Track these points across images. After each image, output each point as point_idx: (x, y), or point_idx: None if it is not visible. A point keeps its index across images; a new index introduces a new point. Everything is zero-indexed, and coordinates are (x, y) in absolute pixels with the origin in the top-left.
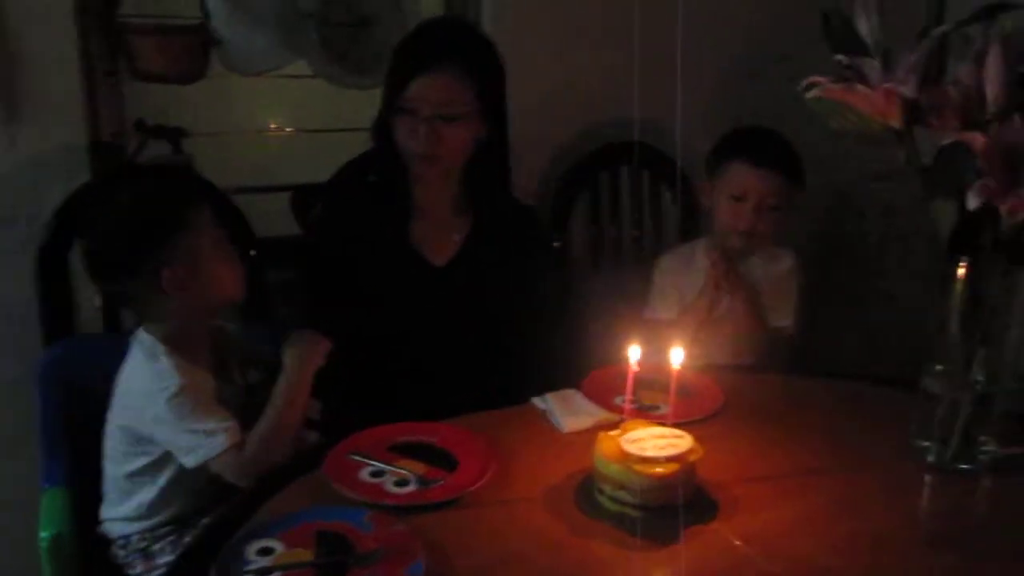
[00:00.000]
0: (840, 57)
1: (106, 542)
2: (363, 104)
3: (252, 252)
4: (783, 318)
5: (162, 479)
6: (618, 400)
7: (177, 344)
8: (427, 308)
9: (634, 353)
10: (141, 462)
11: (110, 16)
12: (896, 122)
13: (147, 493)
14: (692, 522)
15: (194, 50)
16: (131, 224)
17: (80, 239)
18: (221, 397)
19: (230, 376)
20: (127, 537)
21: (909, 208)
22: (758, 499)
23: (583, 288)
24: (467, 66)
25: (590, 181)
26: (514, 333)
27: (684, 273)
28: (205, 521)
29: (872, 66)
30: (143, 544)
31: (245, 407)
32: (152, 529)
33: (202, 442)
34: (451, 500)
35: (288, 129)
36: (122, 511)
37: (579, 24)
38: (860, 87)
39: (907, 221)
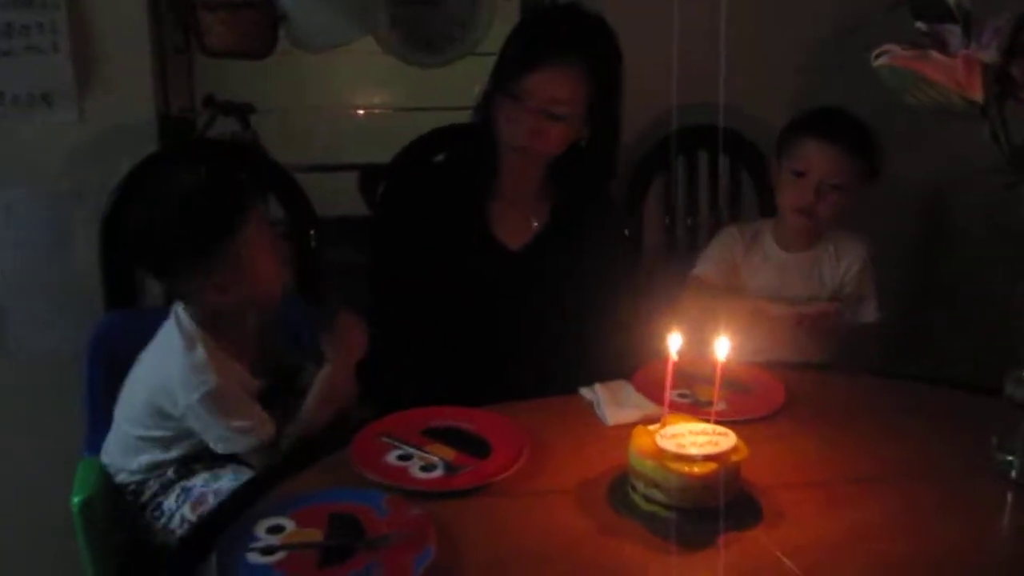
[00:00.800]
0: (920, 24)
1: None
2: (431, 83)
3: (312, 231)
4: (866, 313)
5: (175, 450)
6: (673, 395)
7: (216, 331)
8: (498, 292)
9: (675, 342)
10: (159, 432)
11: None
12: (978, 94)
13: (152, 456)
14: (730, 528)
15: (262, 26)
16: (183, 228)
17: (129, 224)
18: (256, 387)
19: (269, 363)
20: (127, 485)
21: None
22: (807, 507)
23: (656, 277)
24: (588, 66)
25: (665, 167)
26: (584, 323)
27: (745, 249)
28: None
29: (952, 32)
30: (148, 494)
31: (282, 394)
32: (158, 482)
33: (234, 437)
34: (475, 488)
35: (356, 109)
36: (121, 462)
37: (654, 6)
38: (935, 55)
39: (1015, 217)
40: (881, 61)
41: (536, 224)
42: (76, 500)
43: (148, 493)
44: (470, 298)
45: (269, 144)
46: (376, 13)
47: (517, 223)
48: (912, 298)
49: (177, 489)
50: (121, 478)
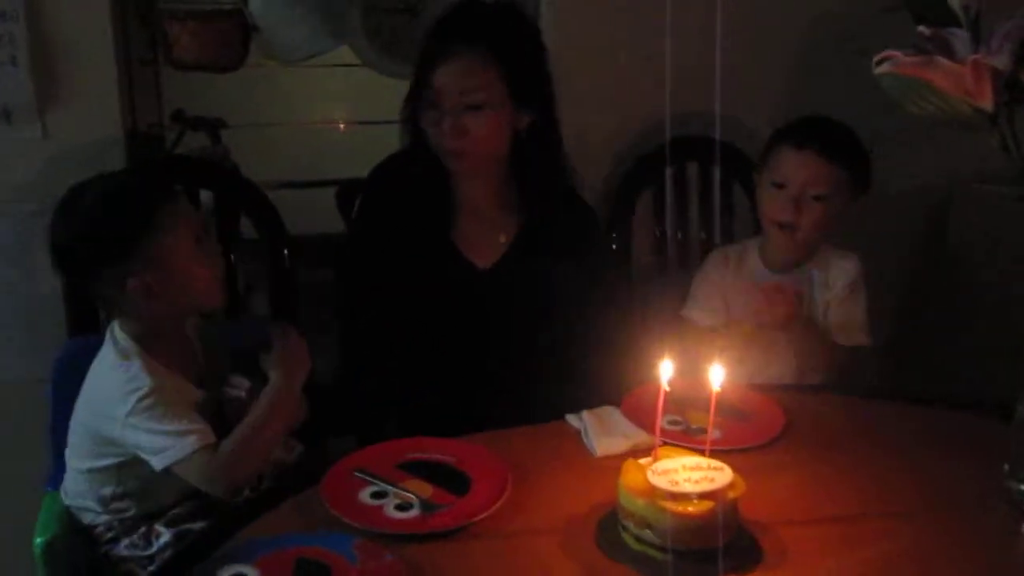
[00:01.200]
0: (922, 28)
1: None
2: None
3: (285, 251)
4: (855, 336)
5: (129, 481)
6: (664, 421)
7: (152, 345)
8: (468, 313)
9: (666, 370)
10: (106, 461)
11: (147, 2)
12: (987, 103)
13: (107, 488)
14: (729, 570)
15: (232, 37)
16: (94, 228)
17: (50, 232)
18: (200, 403)
19: (212, 381)
20: (95, 526)
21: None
22: (811, 546)
23: (645, 292)
24: (491, 48)
25: (655, 178)
26: (564, 344)
27: (732, 275)
28: (176, 511)
29: (959, 37)
30: (111, 534)
31: (226, 413)
32: (120, 522)
33: (171, 443)
34: (454, 530)
35: (332, 122)
36: (82, 502)
37: (643, 13)
38: (942, 61)
39: (1017, 227)
40: (883, 69)
41: (504, 239)
42: (38, 541)
43: (112, 534)
44: (440, 320)
45: (241, 160)
46: (351, 23)
47: (484, 239)
48: (911, 313)
49: (142, 528)
50: (87, 519)
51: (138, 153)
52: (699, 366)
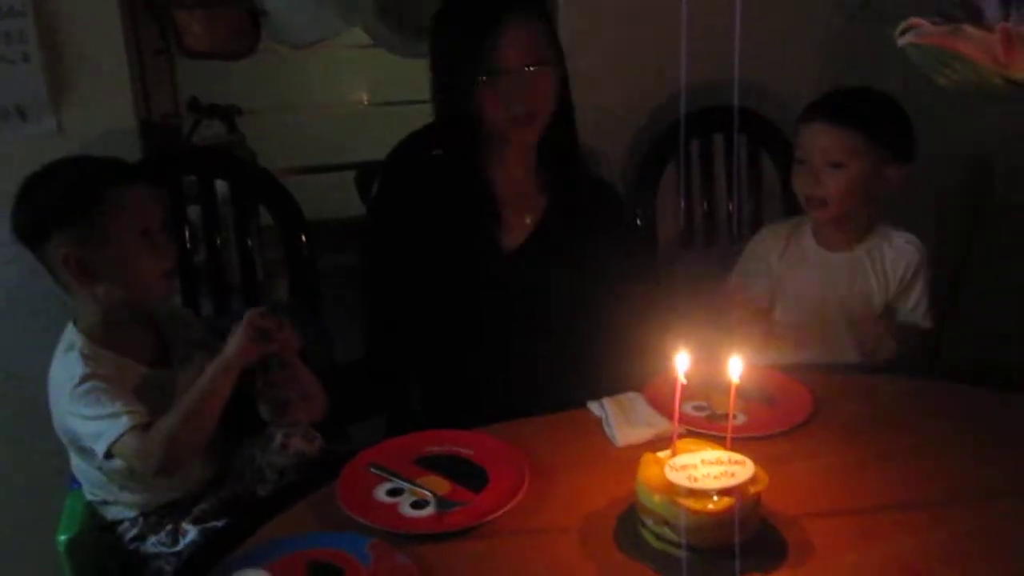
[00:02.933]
0: None
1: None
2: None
3: (303, 236)
4: (908, 315)
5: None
6: (689, 407)
7: (103, 335)
8: (494, 295)
9: (683, 362)
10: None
11: None
12: (1020, 72)
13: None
14: (750, 569)
15: (242, 23)
16: (39, 196)
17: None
18: (149, 380)
19: (171, 362)
20: (119, 522)
21: None
22: (837, 541)
23: (670, 269)
24: (536, 13)
25: (679, 150)
26: (591, 325)
27: (782, 250)
28: (201, 507)
29: (989, 2)
30: (136, 531)
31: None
32: (144, 515)
33: (106, 427)
34: (469, 528)
35: (348, 105)
36: (102, 495)
37: None
38: (969, 29)
39: None
40: (907, 39)
41: (530, 220)
42: (62, 539)
43: (137, 531)
44: (463, 304)
45: (258, 146)
46: (361, 3)
47: (511, 221)
48: (952, 287)
49: (168, 526)
50: (111, 514)
51: (153, 143)
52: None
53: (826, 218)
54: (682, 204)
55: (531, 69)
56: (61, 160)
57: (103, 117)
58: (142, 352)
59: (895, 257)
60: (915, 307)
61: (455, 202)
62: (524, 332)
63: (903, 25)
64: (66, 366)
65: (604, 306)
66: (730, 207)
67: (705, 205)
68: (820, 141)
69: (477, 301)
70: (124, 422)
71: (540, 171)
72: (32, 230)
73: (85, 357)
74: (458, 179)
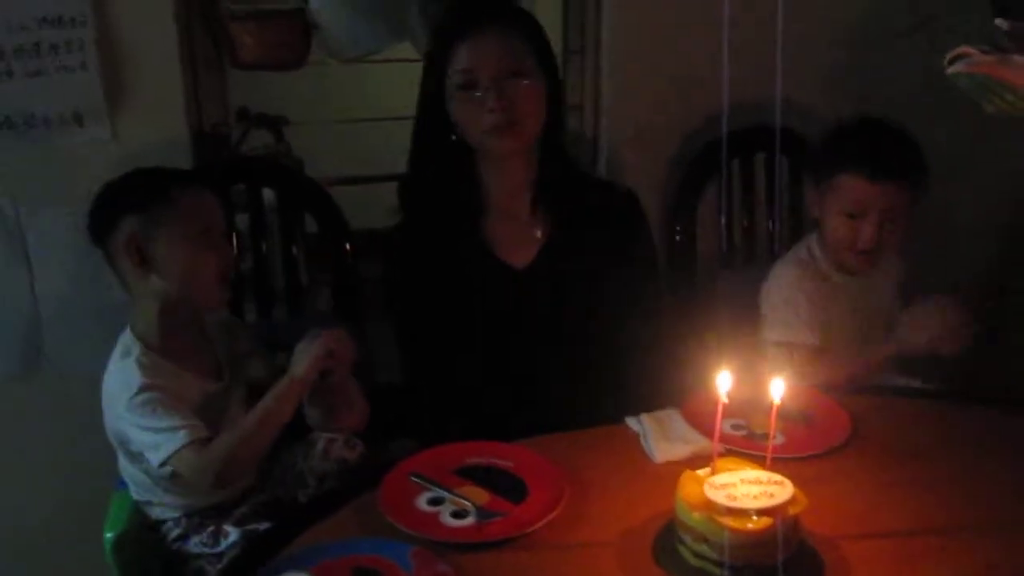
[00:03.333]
0: (1000, 22)
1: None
2: None
3: (347, 245)
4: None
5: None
6: (727, 425)
7: (159, 343)
8: (508, 315)
9: (724, 381)
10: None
11: (210, 5)
12: None
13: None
14: None
15: (293, 36)
16: (112, 191)
17: None
18: (210, 394)
19: (223, 375)
20: (163, 521)
21: None
22: (877, 564)
23: (710, 288)
24: (515, 26)
25: (720, 169)
26: (614, 340)
27: (817, 287)
28: (243, 510)
29: None
30: (179, 531)
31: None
32: (187, 516)
33: (163, 440)
34: (508, 539)
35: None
36: (147, 495)
37: (706, 3)
38: (1019, 60)
39: None
40: (956, 68)
41: (539, 236)
42: (108, 536)
43: (180, 530)
44: (479, 323)
45: (304, 156)
46: (410, 19)
47: (518, 237)
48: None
49: (211, 527)
50: (155, 513)
51: (203, 152)
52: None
53: (870, 262)
54: (723, 222)
55: (504, 77)
56: (139, 168)
57: (156, 125)
58: (197, 363)
59: (891, 269)
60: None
61: (460, 222)
62: (546, 350)
63: (952, 53)
64: (123, 373)
65: (622, 314)
66: (770, 226)
67: (745, 223)
68: (885, 201)
69: (494, 321)
70: (182, 437)
71: (541, 184)
72: (103, 221)
73: (143, 366)
74: (459, 199)
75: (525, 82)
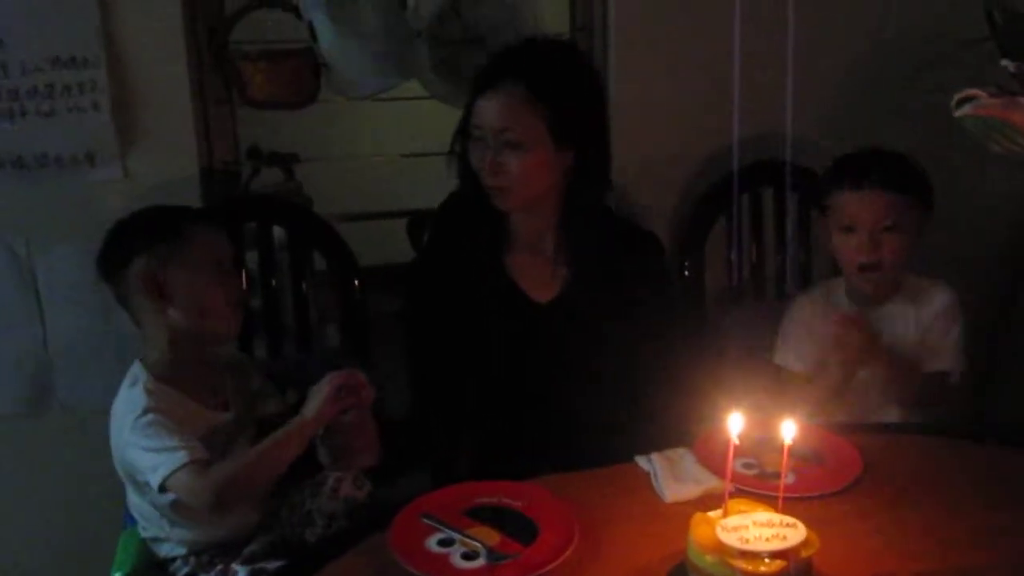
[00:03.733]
0: (1007, 63)
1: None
2: None
3: (356, 282)
4: (941, 363)
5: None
6: (738, 464)
7: (168, 374)
8: (529, 350)
9: (736, 423)
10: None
11: (221, 44)
12: None
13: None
14: None
15: (303, 74)
16: (125, 230)
17: None
18: (219, 426)
19: (229, 408)
20: (172, 560)
21: None
22: None
23: (718, 324)
24: (531, 87)
25: (728, 205)
26: (631, 378)
27: (821, 319)
28: (251, 548)
29: None
30: (187, 569)
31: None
32: (195, 554)
33: (163, 460)
34: None
35: (402, 154)
36: (155, 532)
37: (710, 38)
38: None
39: None
40: (964, 111)
41: (563, 272)
42: (117, 575)
43: (189, 569)
44: (502, 357)
45: (314, 193)
46: (418, 57)
47: (542, 273)
48: (1004, 339)
49: (219, 566)
50: (163, 551)
51: (214, 190)
52: (792, 413)
53: (879, 281)
54: (732, 258)
55: (502, 144)
56: (149, 206)
57: (167, 164)
58: (205, 396)
59: (925, 302)
60: (945, 358)
61: (486, 256)
62: (563, 385)
63: (959, 95)
64: (130, 399)
65: (642, 354)
66: (779, 262)
67: (754, 259)
68: (873, 207)
69: (513, 355)
70: (181, 457)
71: (565, 229)
72: (116, 258)
73: (149, 392)
74: (486, 234)
75: (522, 153)
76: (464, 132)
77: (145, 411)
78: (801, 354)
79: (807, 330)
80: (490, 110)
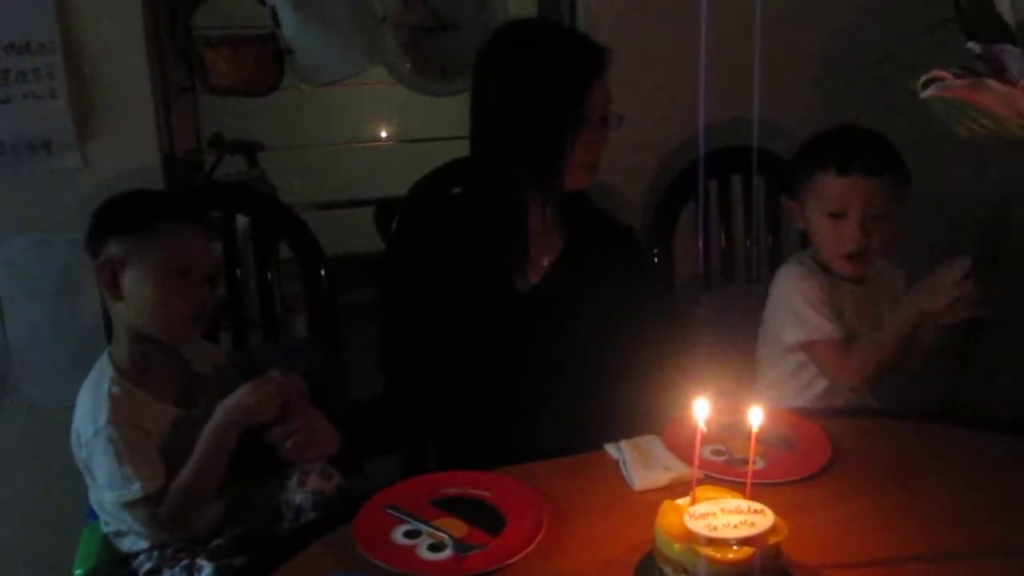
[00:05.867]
0: (972, 45)
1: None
2: (444, 112)
3: (322, 271)
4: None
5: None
6: (707, 451)
7: (134, 370)
8: (507, 335)
9: (702, 408)
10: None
11: (183, 30)
12: None
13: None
14: None
15: (266, 61)
16: (113, 203)
17: None
18: (178, 423)
19: (197, 401)
20: (135, 555)
21: None
22: None
23: (688, 310)
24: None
25: (697, 190)
26: (607, 366)
27: (833, 292)
28: (218, 543)
29: (1012, 54)
30: (151, 564)
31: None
32: (159, 549)
33: (118, 485)
34: (487, 572)
35: (368, 141)
36: (117, 526)
37: (679, 24)
38: (992, 84)
39: None
40: (930, 92)
41: (546, 261)
42: (78, 573)
43: (152, 564)
44: (477, 342)
45: (278, 181)
46: (384, 43)
47: (529, 262)
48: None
49: (184, 561)
50: (126, 546)
51: (176, 178)
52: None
53: (864, 266)
54: (700, 244)
55: (604, 120)
56: (144, 189)
57: (127, 152)
58: (171, 389)
59: (892, 279)
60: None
61: (475, 241)
62: (538, 372)
63: (925, 77)
64: (95, 401)
65: (619, 347)
66: (748, 246)
67: (723, 245)
68: (864, 195)
69: (491, 340)
70: (135, 490)
71: (557, 214)
72: (95, 235)
73: (113, 398)
74: (486, 218)
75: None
76: (568, 121)
77: (108, 422)
78: (823, 316)
79: (821, 297)
80: (605, 89)
